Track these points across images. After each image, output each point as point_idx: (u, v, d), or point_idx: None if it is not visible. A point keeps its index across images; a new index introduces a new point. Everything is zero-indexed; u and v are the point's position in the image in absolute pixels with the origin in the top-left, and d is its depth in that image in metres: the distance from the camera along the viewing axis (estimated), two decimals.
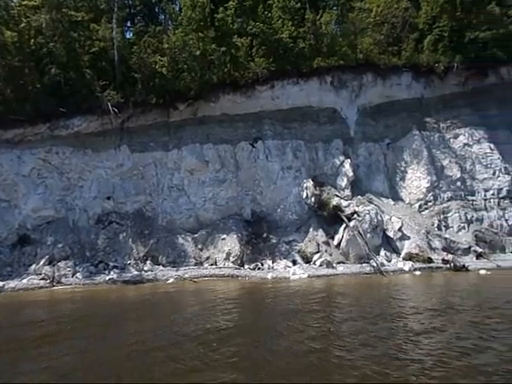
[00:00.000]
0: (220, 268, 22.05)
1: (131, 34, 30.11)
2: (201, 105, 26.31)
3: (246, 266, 22.47)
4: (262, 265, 22.46)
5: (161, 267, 21.59)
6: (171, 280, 20.61)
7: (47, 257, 21.01)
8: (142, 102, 25.41)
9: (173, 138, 25.51)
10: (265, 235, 23.62)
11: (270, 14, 29.13)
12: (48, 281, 19.86)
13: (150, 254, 22.01)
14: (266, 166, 25.58)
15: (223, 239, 23.22)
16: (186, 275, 21.15)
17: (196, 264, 22.42)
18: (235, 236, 23.28)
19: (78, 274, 20.54)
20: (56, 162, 23.59)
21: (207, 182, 24.81)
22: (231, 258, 22.62)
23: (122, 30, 29.28)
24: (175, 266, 21.84)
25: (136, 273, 20.89)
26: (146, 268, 21.28)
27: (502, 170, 27.64)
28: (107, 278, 20.21)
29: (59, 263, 20.83)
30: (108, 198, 23.23)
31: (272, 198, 24.90)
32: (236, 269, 22.10)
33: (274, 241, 23.53)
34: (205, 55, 26.66)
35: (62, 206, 22.98)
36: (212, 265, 22.52)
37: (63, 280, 20.07)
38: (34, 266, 20.68)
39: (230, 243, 23.06)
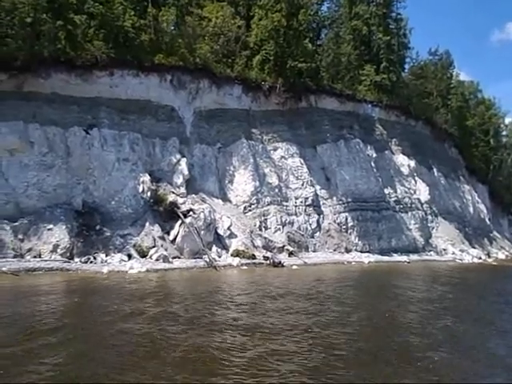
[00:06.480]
0: (46, 261, 19.78)
1: None
2: (28, 79, 23.26)
3: (77, 259, 20.74)
4: (95, 258, 21.06)
5: None
6: None
7: None
8: None
9: None
10: (98, 227, 22.19)
11: None
12: None
13: None
14: (100, 155, 24.13)
15: (49, 229, 20.88)
16: (4, 268, 18.32)
17: (15, 256, 19.57)
18: (64, 227, 21.21)
19: None
20: None
21: (31, 166, 21.96)
22: (59, 251, 20.54)
23: None
24: None
25: None
26: None
27: (309, 182, 32.42)
28: None
29: None
30: None
31: (106, 190, 23.59)
32: (65, 262, 20.18)
33: (108, 234, 22.32)
34: (35, 25, 23.85)
35: None
36: (35, 257, 20.02)
37: None
38: None
39: (58, 234, 20.90)
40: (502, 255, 47.35)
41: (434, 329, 12.96)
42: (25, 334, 10.69)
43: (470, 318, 15.04)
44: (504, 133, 63.02)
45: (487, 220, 52.13)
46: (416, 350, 11.07)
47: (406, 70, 49.10)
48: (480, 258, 41.06)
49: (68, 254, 20.74)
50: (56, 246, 20.57)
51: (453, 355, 10.70)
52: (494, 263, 40.31)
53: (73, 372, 8.74)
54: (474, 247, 44.14)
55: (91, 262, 20.76)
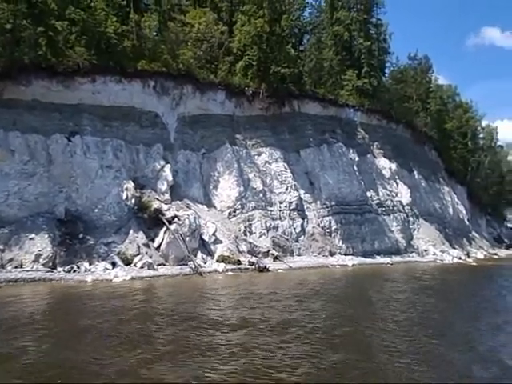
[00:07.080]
0: (28, 271, 19.51)
1: None
2: (8, 86, 22.91)
3: (60, 269, 20.51)
4: (79, 267, 20.86)
5: None
6: None
7: None
8: None
9: None
10: (81, 236, 21.99)
11: (92, 4, 27.72)
12: None
13: None
14: (83, 162, 23.89)
15: (31, 239, 20.59)
16: None
17: None
18: (46, 236, 20.95)
19: None
20: None
21: (12, 175, 21.65)
22: (41, 260, 20.27)
23: None
24: None
25: None
26: None
27: (293, 186, 32.66)
28: None
29: None
30: None
31: (89, 197, 23.37)
32: (48, 271, 19.93)
33: (92, 242, 22.13)
34: (15, 31, 23.56)
35: None
36: (17, 267, 19.73)
37: None
38: None
39: (40, 243, 20.63)
40: (480, 255, 48.37)
41: (405, 339, 13.07)
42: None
43: (442, 327, 15.02)
44: (481, 135, 64.57)
45: (466, 221, 53.26)
46: (383, 351, 11.58)
47: (386, 75, 49.97)
48: (460, 258, 41.92)
49: (51, 264, 20.49)
50: (38, 256, 20.30)
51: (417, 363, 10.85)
52: (474, 263, 41.14)
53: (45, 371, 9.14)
54: (454, 247, 45.02)
55: (74, 271, 20.56)
